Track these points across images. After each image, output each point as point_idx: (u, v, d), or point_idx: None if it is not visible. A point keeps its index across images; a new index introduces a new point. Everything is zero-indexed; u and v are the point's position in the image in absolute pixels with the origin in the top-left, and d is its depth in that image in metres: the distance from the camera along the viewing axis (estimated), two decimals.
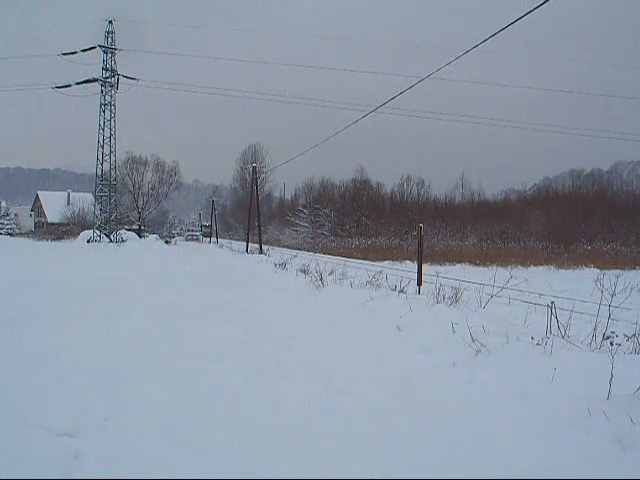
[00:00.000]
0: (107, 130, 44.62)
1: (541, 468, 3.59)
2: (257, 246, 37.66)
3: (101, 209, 46.31)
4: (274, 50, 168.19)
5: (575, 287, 16.41)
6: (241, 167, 77.01)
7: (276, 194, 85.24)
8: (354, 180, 58.25)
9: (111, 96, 44.22)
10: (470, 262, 32.18)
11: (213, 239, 66.29)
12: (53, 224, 57.51)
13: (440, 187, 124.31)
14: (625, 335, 5.37)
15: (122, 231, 47.57)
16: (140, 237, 51.12)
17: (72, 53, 42.16)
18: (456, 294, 9.14)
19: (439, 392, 5.17)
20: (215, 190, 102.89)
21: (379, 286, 11.76)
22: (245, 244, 41.25)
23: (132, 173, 59.13)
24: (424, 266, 12.89)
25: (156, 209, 62.86)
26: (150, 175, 60.45)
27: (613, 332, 5.21)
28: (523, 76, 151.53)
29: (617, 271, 16.07)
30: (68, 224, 52.66)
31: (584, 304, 9.55)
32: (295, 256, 23.03)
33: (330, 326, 8.60)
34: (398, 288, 10.89)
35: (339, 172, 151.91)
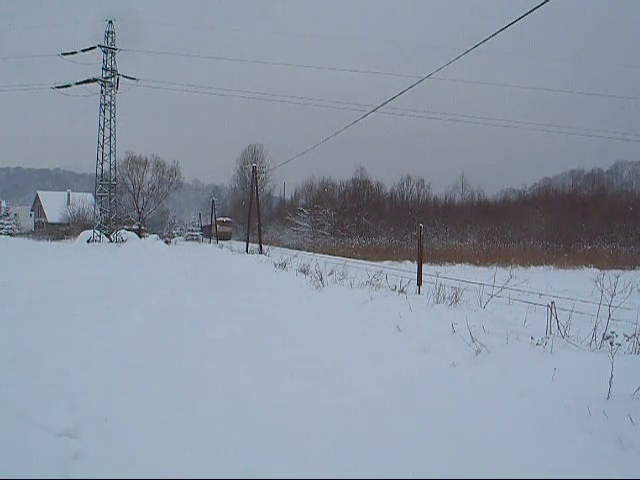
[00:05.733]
0: (107, 130, 44.71)
1: (541, 468, 3.59)
2: (257, 246, 37.64)
3: (101, 209, 46.33)
4: (275, 50, 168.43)
5: (575, 287, 16.40)
6: (241, 167, 77.14)
7: (276, 194, 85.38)
8: (354, 180, 58.31)
9: (111, 96, 44.28)
10: (470, 262, 32.17)
11: (213, 240, 65.66)
12: (53, 224, 57.55)
13: (440, 187, 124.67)
14: (625, 335, 5.37)
15: (122, 231, 47.58)
16: (140, 237, 51.12)
17: (72, 53, 42.25)
18: (456, 294, 9.14)
19: (439, 392, 5.17)
20: (215, 190, 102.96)
21: (379, 286, 11.75)
22: (245, 244, 41.24)
23: (132, 173, 59.23)
24: (424, 266, 12.90)
25: (156, 209, 62.90)
26: (150, 175, 60.60)
27: (613, 332, 5.22)
28: (523, 76, 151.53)
29: (617, 271, 16.06)
30: (68, 224, 52.68)
31: (584, 304, 9.55)
32: (295, 256, 23.00)
33: (330, 326, 8.60)
34: (398, 288, 10.88)
35: (339, 172, 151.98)
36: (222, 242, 58.47)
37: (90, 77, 43.38)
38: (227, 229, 70.42)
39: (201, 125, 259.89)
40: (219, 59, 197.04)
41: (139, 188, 59.66)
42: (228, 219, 72.26)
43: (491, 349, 5.74)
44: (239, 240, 64.12)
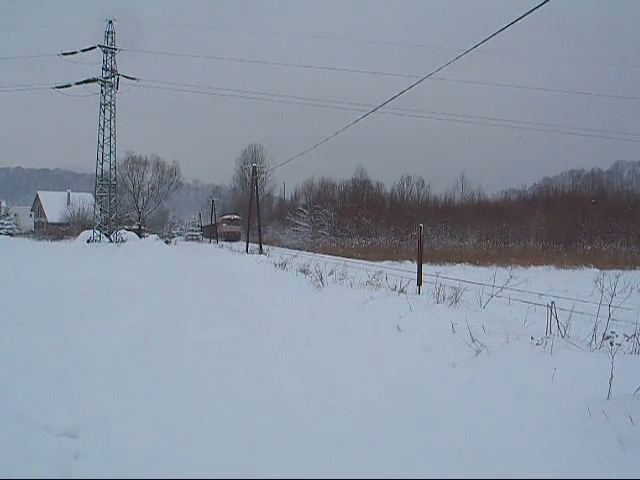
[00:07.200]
0: (107, 130, 44.71)
1: (541, 468, 3.59)
2: (257, 246, 37.64)
3: (101, 209, 46.34)
4: (275, 50, 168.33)
5: (575, 287, 16.40)
6: (241, 167, 77.14)
7: (276, 194, 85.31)
8: (354, 180, 58.37)
9: (111, 96, 44.29)
10: (470, 262, 32.18)
11: (213, 240, 65.37)
12: (53, 224, 57.53)
13: (440, 187, 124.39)
14: (625, 335, 5.36)
15: (122, 231, 47.58)
16: (140, 237, 51.12)
17: (72, 53, 42.24)
18: (456, 294, 9.14)
19: (439, 392, 5.17)
20: (215, 190, 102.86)
21: (379, 286, 11.76)
22: (245, 244, 41.25)
23: (132, 173, 59.36)
24: (424, 266, 12.89)
25: (156, 209, 62.98)
26: (150, 175, 60.75)
27: (613, 332, 5.20)
28: (523, 76, 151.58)
29: (617, 271, 16.08)
30: (68, 224, 52.67)
31: (584, 304, 9.54)
32: (295, 256, 23.02)
33: (330, 326, 8.60)
34: (398, 288, 10.88)
35: (339, 172, 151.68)
36: (222, 242, 58.09)
37: (90, 77, 43.40)
38: (235, 228, 64.05)
39: (201, 125, 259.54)
40: (219, 59, 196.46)
41: (139, 188, 59.75)
42: (236, 216, 65.54)
43: (491, 349, 5.74)
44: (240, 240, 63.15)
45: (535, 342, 5.59)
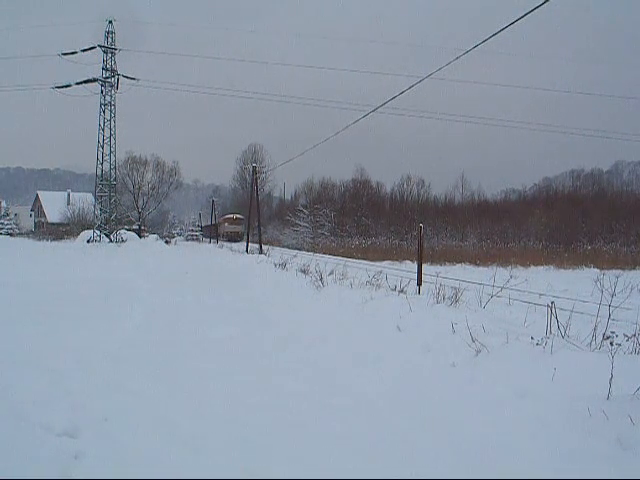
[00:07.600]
0: (107, 130, 44.61)
1: (541, 468, 3.59)
2: (257, 246, 37.62)
3: (101, 209, 46.30)
4: (275, 50, 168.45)
5: (575, 287, 16.39)
6: (241, 167, 77.17)
7: (276, 194, 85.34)
8: (354, 180, 58.40)
9: (111, 96, 44.22)
10: (470, 262, 32.15)
11: (212, 240, 65.35)
12: (53, 224, 57.47)
13: (440, 187, 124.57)
14: (625, 335, 5.36)
15: (122, 231, 47.54)
16: (140, 237, 51.08)
17: (72, 53, 42.15)
18: (456, 294, 9.14)
19: (439, 392, 5.17)
20: (215, 190, 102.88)
21: (379, 286, 11.75)
22: (245, 244, 41.25)
23: (132, 173, 59.24)
24: (424, 266, 12.88)
25: (156, 209, 62.90)
26: (150, 175, 60.62)
27: (613, 332, 5.20)
28: (523, 76, 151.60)
29: (617, 271, 16.08)
30: (68, 224, 52.59)
31: (584, 304, 9.54)
32: (295, 256, 23.02)
33: (330, 326, 8.60)
34: (398, 288, 10.88)
35: (339, 172, 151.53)
36: (222, 242, 58.07)
37: (90, 77, 43.32)
38: (238, 228, 61.45)
39: (201, 125, 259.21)
40: (219, 59, 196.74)
41: (139, 188, 59.68)
42: (239, 216, 62.44)
43: (491, 349, 5.74)
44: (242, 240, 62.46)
45: (535, 342, 5.59)
